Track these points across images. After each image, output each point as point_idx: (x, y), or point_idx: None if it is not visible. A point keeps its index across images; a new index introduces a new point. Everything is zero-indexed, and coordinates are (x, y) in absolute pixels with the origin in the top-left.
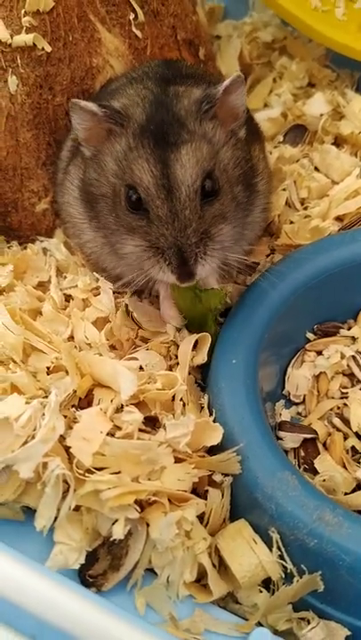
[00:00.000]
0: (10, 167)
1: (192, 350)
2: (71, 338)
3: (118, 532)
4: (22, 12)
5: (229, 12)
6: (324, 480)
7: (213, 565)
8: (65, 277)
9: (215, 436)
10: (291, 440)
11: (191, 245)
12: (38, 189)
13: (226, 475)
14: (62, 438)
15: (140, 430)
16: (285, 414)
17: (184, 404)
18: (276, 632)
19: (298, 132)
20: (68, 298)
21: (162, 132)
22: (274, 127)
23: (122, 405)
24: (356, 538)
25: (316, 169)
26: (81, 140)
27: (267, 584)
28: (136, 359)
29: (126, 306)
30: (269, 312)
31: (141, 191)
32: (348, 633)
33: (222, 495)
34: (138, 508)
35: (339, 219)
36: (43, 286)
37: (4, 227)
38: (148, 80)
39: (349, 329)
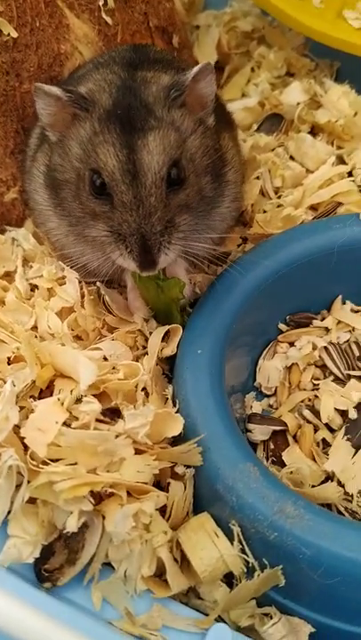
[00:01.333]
0: None
1: (162, 341)
2: (35, 328)
3: (72, 525)
4: None
5: (210, 3)
6: (291, 472)
7: (175, 560)
8: (31, 267)
9: (176, 427)
10: (260, 432)
11: (156, 234)
12: (7, 178)
13: (188, 467)
14: (18, 429)
15: (100, 421)
16: (256, 406)
17: (147, 395)
18: (238, 628)
19: (274, 121)
20: (34, 288)
21: (129, 118)
22: (251, 116)
23: (82, 396)
24: (316, 530)
25: (292, 158)
26: (45, 125)
27: (230, 579)
28: (100, 349)
29: (98, 289)
30: (238, 302)
31: (106, 176)
32: (312, 629)
33: (185, 488)
34: (92, 501)
35: (313, 208)
36: (9, 276)
37: None
38: (114, 65)
39: (323, 320)
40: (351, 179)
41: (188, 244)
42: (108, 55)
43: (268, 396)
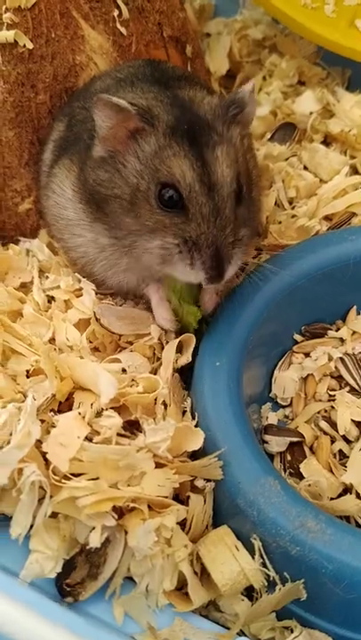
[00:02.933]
0: None
1: (177, 352)
2: (53, 340)
3: (95, 540)
4: (3, 8)
5: (220, 10)
6: (309, 485)
7: (195, 573)
8: (47, 278)
9: (196, 441)
10: (276, 444)
11: (228, 245)
12: (21, 189)
13: (208, 480)
14: (39, 443)
15: (121, 435)
16: (272, 417)
17: (166, 408)
18: None
19: (287, 131)
20: (50, 299)
21: (194, 133)
22: (263, 125)
23: (102, 409)
24: (338, 545)
25: (305, 168)
26: (100, 138)
27: (249, 592)
28: (119, 361)
29: (94, 314)
30: (255, 314)
31: (183, 188)
32: None
33: (204, 501)
34: (115, 515)
35: (327, 218)
36: (25, 287)
37: None
38: (138, 81)
39: (338, 330)
40: None
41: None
42: (127, 71)
43: (283, 407)
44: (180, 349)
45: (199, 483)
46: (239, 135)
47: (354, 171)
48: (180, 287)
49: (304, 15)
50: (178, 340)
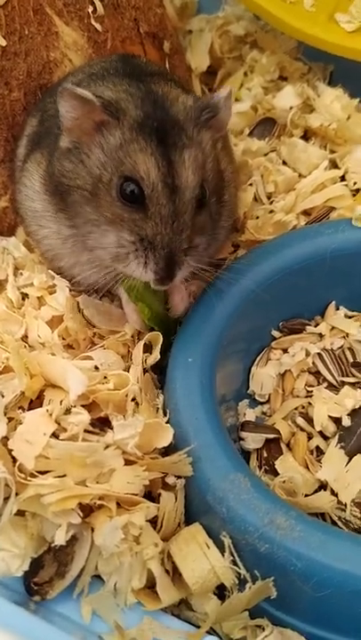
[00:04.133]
0: None
1: (146, 352)
2: (25, 337)
3: (60, 538)
4: None
5: (203, 7)
6: (283, 482)
7: (167, 571)
8: (21, 274)
9: (166, 437)
10: (253, 440)
11: (182, 251)
12: None
13: (179, 477)
14: (6, 440)
15: (90, 432)
16: (250, 414)
17: (137, 405)
18: None
19: (267, 126)
20: (24, 296)
21: (163, 131)
22: (243, 121)
23: (71, 407)
24: (308, 542)
25: (284, 163)
26: (65, 129)
27: (221, 590)
28: (91, 358)
29: (78, 303)
30: (229, 309)
31: (145, 185)
32: None
33: (175, 498)
34: (80, 513)
35: (306, 213)
36: (0, 285)
37: None
38: (111, 76)
39: (316, 325)
40: (344, 183)
41: (197, 265)
42: (100, 65)
43: (261, 404)
44: (149, 349)
45: (170, 480)
46: (210, 140)
47: (333, 165)
48: (135, 285)
49: (283, 10)
50: (144, 339)
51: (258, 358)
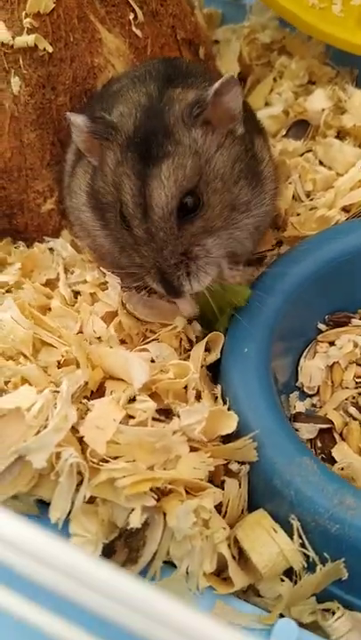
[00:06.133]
0: (15, 168)
1: (205, 351)
2: (81, 332)
3: (135, 521)
4: (23, 13)
5: (227, 18)
6: (342, 469)
7: (233, 557)
8: (72, 273)
9: (230, 424)
10: (306, 431)
11: (171, 267)
12: (44, 190)
13: (242, 463)
14: (75, 430)
15: (156, 420)
16: (300, 406)
17: (197, 393)
18: (300, 624)
19: (300, 128)
20: (76, 294)
21: (147, 145)
22: (276, 124)
23: (135, 396)
24: None
25: (321, 162)
26: (83, 150)
27: (289, 575)
28: (147, 351)
29: (122, 301)
30: (279, 302)
31: (124, 209)
32: None
33: (240, 485)
34: (155, 496)
35: (345, 210)
36: (51, 284)
37: (10, 229)
38: (150, 80)
39: None
40: None
41: (218, 265)
42: (144, 69)
43: (310, 396)
44: (208, 349)
45: (234, 466)
46: (210, 135)
47: None
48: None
49: (313, 15)
50: (206, 339)
51: (305, 351)
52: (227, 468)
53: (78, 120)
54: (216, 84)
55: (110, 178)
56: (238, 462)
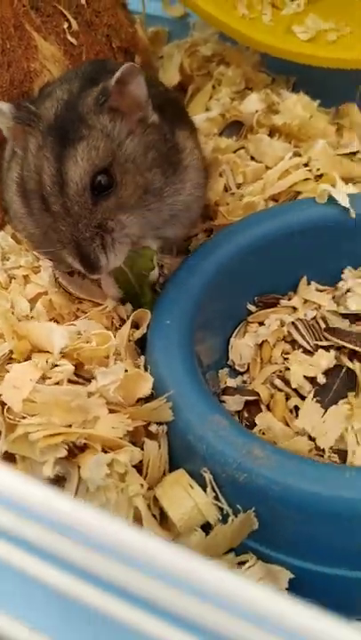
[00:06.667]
0: None
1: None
2: (12, 311)
3: (48, 471)
4: None
5: (174, 35)
6: (263, 433)
7: (154, 516)
8: (9, 260)
9: (146, 386)
10: (234, 402)
11: (86, 240)
12: None
13: (160, 424)
14: None
15: (75, 382)
16: (230, 382)
17: (120, 360)
18: None
19: (234, 128)
20: (11, 279)
21: (64, 130)
22: (213, 126)
23: (57, 364)
24: (284, 469)
25: (252, 158)
26: (8, 137)
27: (207, 530)
28: (75, 326)
29: (56, 277)
30: (203, 281)
31: (44, 189)
32: (292, 575)
33: (159, 446)
34: (66, 447)
35: (274, 199)
36: None
37: None
38: (75, 79)
39: (290, 300)
40: (308, 168)
41: (134, 242)
42: (74, 72)
43: (241, 374)
44: (137, 326)
45: (153, 428)
46: (118, 122)
47: (297, 156)
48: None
49: (244, 25)
50: (132, 316)
51: (236, 331)
52: (147, 430)
53: (4, 107)
54: (117, 73)
55: (33, 163)
56: (157, 424)
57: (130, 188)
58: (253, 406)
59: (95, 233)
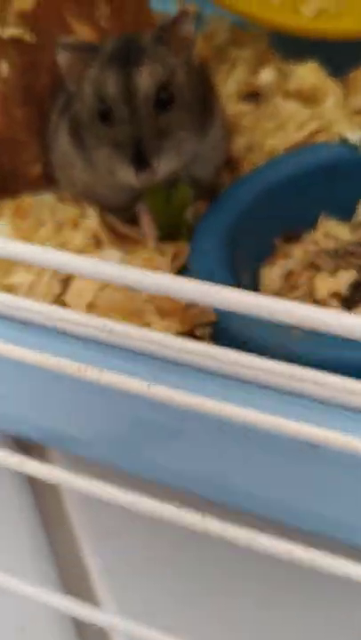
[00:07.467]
0: (6, 140)
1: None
2: None
3: None
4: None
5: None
6: None
7: None
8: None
9: None
10: None
11: (149, 139)
12: (31, 158)
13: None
14: None
15: None
16: None
17: None
18: None
19: (251, 100)
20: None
21: (127, 56)
22: (229, 101)
23: None
24: None
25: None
26: (65, 75)
27: None
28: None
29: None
30: (236, 212)
31: (109, 100)
32: None
33: None
34: None
35: None
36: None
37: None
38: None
39: (312, 234)
40: (321, 122)
41: (182, 158)
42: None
43: None
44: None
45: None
46: (173, 56)
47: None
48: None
49: (255, 5)
50: (171, 251)
51: (263, 264)
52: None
53: (70, 39)
54: (176, 15)
55: (89, 89)
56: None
57: (184, 109)
58: None
59: (155, 135)
